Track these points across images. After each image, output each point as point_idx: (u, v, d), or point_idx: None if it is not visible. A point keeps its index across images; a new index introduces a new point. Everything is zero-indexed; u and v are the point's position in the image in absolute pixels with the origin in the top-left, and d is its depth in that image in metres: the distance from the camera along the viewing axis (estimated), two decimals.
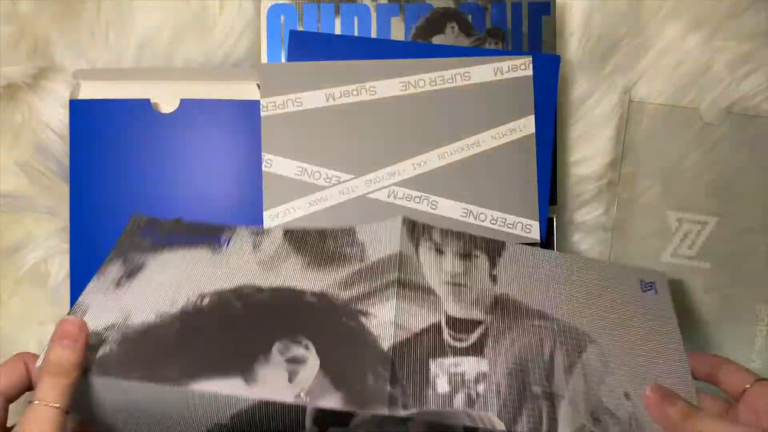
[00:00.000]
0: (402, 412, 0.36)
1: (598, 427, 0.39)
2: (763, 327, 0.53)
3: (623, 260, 0.53)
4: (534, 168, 0.49)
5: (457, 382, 0.39)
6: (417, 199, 0.48)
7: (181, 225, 0.47)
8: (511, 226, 0.48)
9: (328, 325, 0.40)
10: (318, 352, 0.38)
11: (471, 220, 0.48)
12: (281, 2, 0.51)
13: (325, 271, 0.44)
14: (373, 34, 0.51)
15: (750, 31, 0.54)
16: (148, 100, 0.50)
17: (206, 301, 0.42)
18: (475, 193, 0.49)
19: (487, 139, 0.49)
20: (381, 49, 0.50)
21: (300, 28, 0.51)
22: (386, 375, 0.37)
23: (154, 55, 0.53)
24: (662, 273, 0.48)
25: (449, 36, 0.51)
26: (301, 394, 0.36)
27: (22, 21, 0.52)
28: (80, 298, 0.42)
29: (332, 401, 0.36)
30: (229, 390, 0.36)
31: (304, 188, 0.48)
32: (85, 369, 0.37)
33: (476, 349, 0.41)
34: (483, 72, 0.49)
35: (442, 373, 0.39)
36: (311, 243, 0.45)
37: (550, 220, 0.50)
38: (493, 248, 0.46)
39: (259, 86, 0.50)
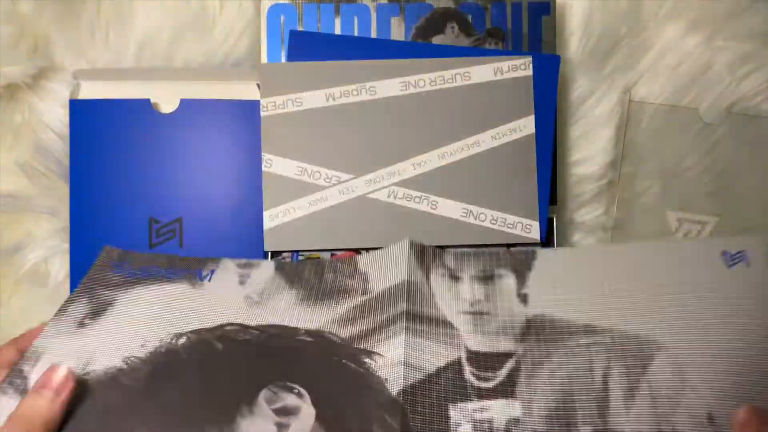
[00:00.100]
0: None
1: None
2: None
3: None
4: (534, 168, 0.49)
5: (483, 431, 0.32)
6: (417, 199, 0.48)
7: (158, 258, 0.43)
8: (511, 226, 0.48)
9: (326, 369, 0.35)
10: (313, 401, 0.33)
11: (471, 220, 0.48)
12: (281, 2, 0.51)
13: (322, 306, 0.39)
14: (373, 34, 0.51)
15: (750, 32, 0.54)
16: (148, 100, 0.50)
17: (182, 341, 0.37)
18: (475, 193, 0.49)
19: (487, 139, 0.49)
20: (381, 49, 0.50)
21: (300, 28, 0.51)
22: (395, 426, 0.31)
23: (154, 55, 0.53)
24: (756, 237, 0.38)
25: (449, 36, 0.51)
26: None
27: (22, 21, 0.52)
28: (35, 343, 0.37)
29: None
30: None
31: (304, 188, 0.48)
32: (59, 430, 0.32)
33: (506, 389, 0.34)
34: (483, 72, 0.49)
35: (464, 420, 0.32)
36: (307, 276, 0.41)
37: (550, 220, 0.50)
38: (521, 262, 0.40)
39: (259, 86, 0.50)
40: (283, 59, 0.50)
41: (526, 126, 0.49)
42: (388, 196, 0.48)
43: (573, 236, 0.54)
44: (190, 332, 0.37)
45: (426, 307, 0.37)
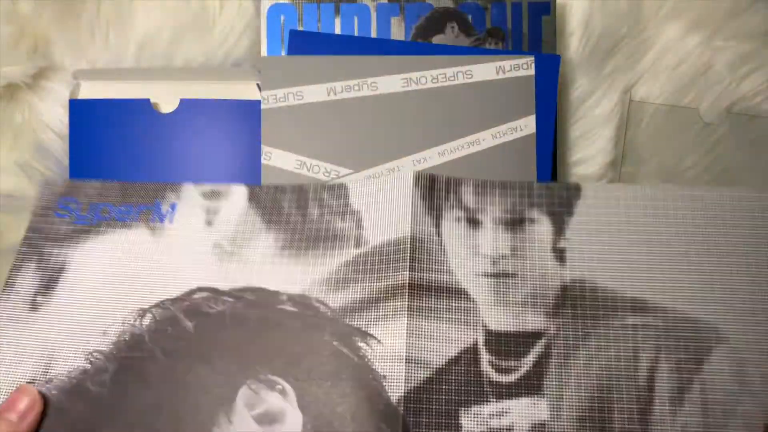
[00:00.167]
0: None
1: None
2: None
3: None
4: (534, 168, 0.49)
5: None
6: None
7: (109, 189, 0.38)
8: None
9: (314, 355, 0.29)
10: (299, 402, 0.28)
11: None
12: (281, 2, 0.51)
13: (306, 257, 0.32)
14: (373, 34, 0.51)
15: (750, 31, 0.54)
16: (147, 100, 0.50)
17: (147, 321, 0.31)
18: None
19: (488, 138, 0.49)
20: (381, 48, 0.50)
21: (300, 28, 0.51)
22: None
23: (154, 55, 0.53)
24: None
25: (449, 36, 0.51)
26: None
27: (22, 21, 0.52)
28: None
29: None
30: None
31: (302, 182, 0.48)
32: None
33: (531, 383, 0.27)
34: (485, 70, 0.49)
35: (478, 428, 0.27)
36: (287, 210, 0.35)
37: None
38: (561, 200, 0.31)
39: (259, 86, 0.50)
40: None
41: (526, 125, 0.49)
42: None
43: None
44: (155, 306, 0.32)
45: (435, 271, 0.30)
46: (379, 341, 0.28)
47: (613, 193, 0.31)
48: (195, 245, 0.33)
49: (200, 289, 0.32)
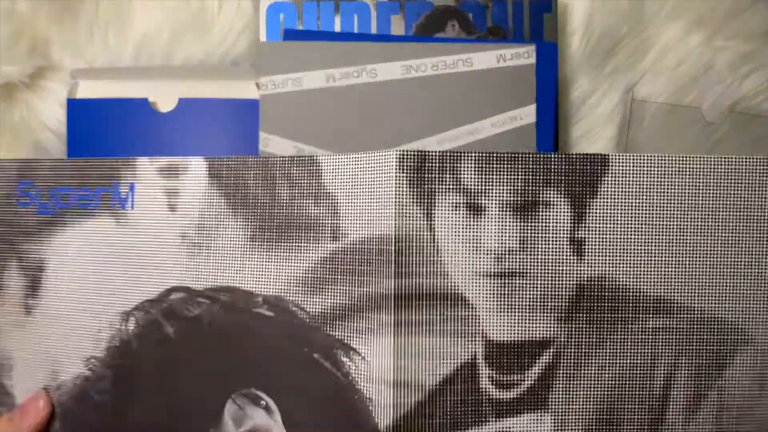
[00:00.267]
0: None
1: None
2: None
3: None
4: None
5: None
6: None
7: (65, 170, 0.35)
8: None
9: (295, 369, 0.27)
10: (284, 419, 0.26)
11: None
12: (280, 1, 0.50)
13: (279, 249, 0.29)
14: (374, 33, 0.51)
15: (751, 31, 0.53)
16: (146, 99, 0.49)
17: (132, 326, 0.31)
18: None
19: (487, 127, 0.48)
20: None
21: (299, 27, 0.50)
22: None
23: (153, 54, 0.52)
24: None
25: (450, 34, 0.51)
26: None
27: (20, 20, 0.52)
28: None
29: None
30: None
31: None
32: None
33: (535, 398, 0.24)
34: (485, 59, 0.49)
35: None
36: (253, 189, 0.31)
37: None
38: (585, 178, 0.25)
39: (258, 85, 0.50)
40: None
41: (527, 115, 0.48)
42: None
43: None
44: (137, 309, 0.31)
45: (426, 275, 0.25)
46: (363, 358, 0.26)
47: (648, 165, 0.25)
48: (162, 235, 0.32)
49: (175, 289, 0.31)
